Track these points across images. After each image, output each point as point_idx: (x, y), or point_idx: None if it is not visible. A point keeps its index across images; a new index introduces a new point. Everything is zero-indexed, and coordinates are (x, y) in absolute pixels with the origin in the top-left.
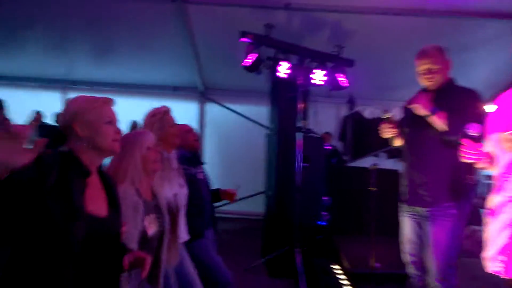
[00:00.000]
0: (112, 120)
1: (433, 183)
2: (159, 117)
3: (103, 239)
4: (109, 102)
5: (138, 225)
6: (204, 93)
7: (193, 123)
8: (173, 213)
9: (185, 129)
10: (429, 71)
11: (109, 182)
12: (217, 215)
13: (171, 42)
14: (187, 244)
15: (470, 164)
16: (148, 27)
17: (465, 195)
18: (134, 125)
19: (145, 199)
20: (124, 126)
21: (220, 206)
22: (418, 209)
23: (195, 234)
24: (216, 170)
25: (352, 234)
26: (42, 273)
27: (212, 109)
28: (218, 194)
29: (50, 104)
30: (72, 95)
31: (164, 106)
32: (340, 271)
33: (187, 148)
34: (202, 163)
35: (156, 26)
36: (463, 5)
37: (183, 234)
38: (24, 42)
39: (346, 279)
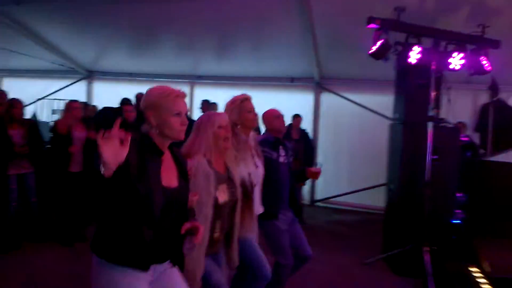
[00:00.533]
0: (180, 112)
1: None
2: (238, 104)
3: (175, 206)
4: (181, 95)
5: (210, 192)
6: (320, 83)
7: (309, 114)
8: (247, 189)
9: (274, 114)
10: None
11: (179, 158)
12: (333, 206)
13: (290, 35)
14: (260, 221)
15: None
16: (268, 22)
17: None
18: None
19: (217, 171)
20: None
21: (336, 196)
22: None
23: (268, 213)
24: (331, 161)
25: (493, 235)
26: (130, 234)
27: (328, 99)
28: (304, 173)
29: None
30: (199, 88)
31: (244, 94)
32: (480, 275)
33: (273, 132)
34: (286, 148)
35: (275, 20)
36: None
37: (258, 209)
38: (161, 44)
39: (487, 284)
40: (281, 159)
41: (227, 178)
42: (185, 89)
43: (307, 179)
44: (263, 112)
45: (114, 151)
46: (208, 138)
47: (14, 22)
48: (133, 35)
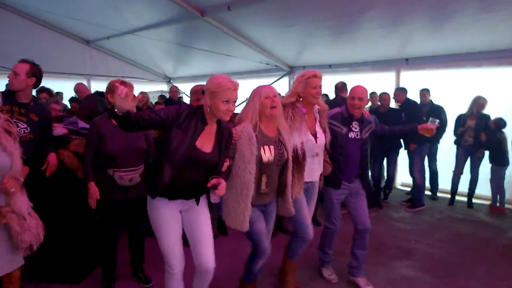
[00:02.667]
0: (228, 100)
1: None
2: (304, 79)
3: (201, 164)
4: (234, 88)
5: (253, 152)
6: None
7: None
8: (298, 155)
9: (355, 93)
10: None
11: (223, 132)
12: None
13: None
14: (323, 186)
15: None
16: None
17: None
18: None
19: (264, 134)
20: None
21: None
22: None
23: (328, 181)
24: None
25: None
26: (159, 168)
27: None
28: (415, 129)
29: (385, 84)
30: (407, 73)
31: (313, 71)
32: None
33: (351, 108)
34: (364, 125)
35: None
36: None
37: (314, 176)
38: (361, 30)
39: None
40: (351, 135)
41: (276, 141)
42: (390, 75)
43: (416, 136)
44: (352, 87)
45: (124, 101)
46: (255, 107)
47: (227, 28)
48: (332, 25)
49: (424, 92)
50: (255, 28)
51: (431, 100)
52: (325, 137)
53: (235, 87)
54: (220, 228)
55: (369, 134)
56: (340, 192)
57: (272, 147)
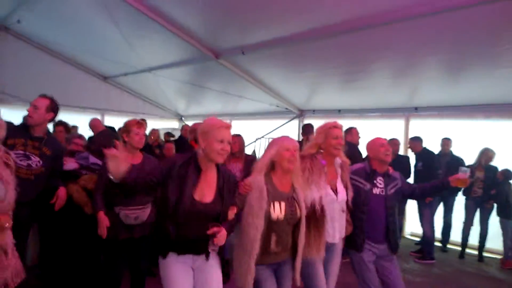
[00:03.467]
0: (223, 139)
1: None
2: (325, 130)
3: (203, 216)
4: (227, 126)
5: (262, 206)
6: None
7: None
8: (315, 211)
9: (379, 143)
10: None
11: (223, 177)
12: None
13: None
14: (346, 247)
15: None
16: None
17: None
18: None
19: (276, 188)
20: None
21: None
22: None
23: (350, 243)
24: None
25: None
26: (163, 227)
27: None
28: (446, 183)
29: (394, 131)
30: (416, 121)
31: (334, 122)
32: None
33: (375, 162)
34: (389, 180)
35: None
36: None
37: (336, 236)
38: (371, 76)
39: None
40: (376, 191)
41: (288, 197)
42: (400, 122)
43: (447, 189)
44: (368, 140)
45: (116, 165)
46: (272, 157)
47: (240, 70)
48: (342, 72)
49: (447, 142)
50: (267, 72)
51: (451, 151)
52: (347, 193)
53: (228, 126)
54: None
55: (395, 191)
56: (366, 254)
57: (283, 203)
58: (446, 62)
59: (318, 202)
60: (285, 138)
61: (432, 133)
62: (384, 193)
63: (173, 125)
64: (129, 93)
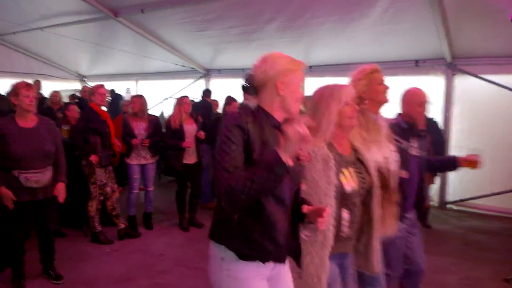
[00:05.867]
0: (302, 85)
1: None
2: (367, 73)
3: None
4: (304, 66)
5: (331, 180)
6: (452, 64)
7: (439, 100)
8: (384, 176)
9: (419, 98)
10: None
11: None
12: (464, 209)
13: (414, 8)
14: None
15: None
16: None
17: None
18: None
19: (341, 154)
20: None
21: (473, 199)
22: None
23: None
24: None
25: None
26: (258, 211)
27: (463, 82)
28: (455, 162)
29: None
30: (310, 77)
31: (374, 65)
32: None
33: (408, 118)
34: (422, 139)
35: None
36: None
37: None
38: (267, 35)
39: None
40: (413, 151)
41: (355, 161)
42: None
43: (456, 168)
44: (406, 90)
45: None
46: (330, 117)
47: (143, 29)
48: (242, 30)
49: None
50: (170, 31)
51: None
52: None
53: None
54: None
55: (425, 151)
56: (402, 226)
57: (352, 170)
58: (335, 23)
59: (383, 165)
60: (339, 88)
61: None
62: (418, 153)
63: (75, 86)
64: (20, 53)
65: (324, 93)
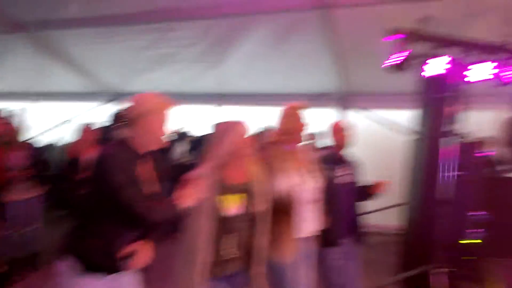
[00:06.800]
0: (164, 121)
1: None
2: (288, 111)
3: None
4: (168, 105)
5: (213, 203)
6: (344, 99)
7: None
8: (284, 204)
9: (338, 127)
10: None
11: (159, 161)
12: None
13: (312, 48)
14: (319, 249)
15: None
16: (286, 36)
17: None
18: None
19: (229, 181)
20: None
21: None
22: None
23: (326, 240)
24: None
25: (508, 257)
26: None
27: (353, 115)
28: (366, 191)
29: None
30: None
31: (298, 103)
32: None
33: (335, 146)
34: (350, 166)
35: (295, 34)
36: None
37: (308, 228)
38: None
39: None
40: (341, 179)
41: (245, 188)
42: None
43: (371, 196)
44: (332, 123)
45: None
46: (222, 148)
47: (44, 46)
48: (156, 53)
49: None
50: (77, 51)
51: None
52: (317, 181)
53: (170, 105)
54: None
55: (355, 176)
56: (338, 251)
57: (237, 196)
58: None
59: (286, 193)
60: (235, 123)
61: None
62: (349, 181)
63: None
64: None
65: (221, 127)
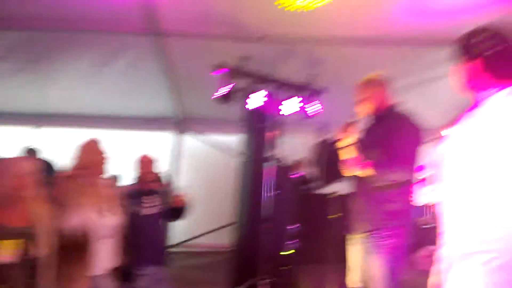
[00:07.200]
0: None
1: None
2: (86, 146)
3: None
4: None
5: None
6: (180, 124)
7: (168, 155)
8: (77, 240)
9: (141, 160)
10: (358, 101)
11: None
12: (185, 249)
13: (146, 72)
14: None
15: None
16: (124, 60)
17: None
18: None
19: (4, 225)
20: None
21: (188, 240)
22: (359, 236)
23: (126, 273)
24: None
25: (316, 263)
26: None
27: (189, 139)
28: (171, 210)
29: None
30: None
31: (93, 138)
32: None
33: (139, 178)
34: (155, 197)
35: (129, 57)
36: (425, 34)
37: (104, 265)
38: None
39: None
40: (145, 211)
41: (22, 233)
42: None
43: (180, 212)
44: (140, 156)
45: None
46: (0, 188)
47: None
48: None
49: None
50: None
51: None
52: (116, 216)
53: None
54: None
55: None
56: (143, 282)
57: (14, 242)
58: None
59: (79, 227)
60: (11, 161)
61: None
62: (154, 212)
63: None
64: None
65: None
